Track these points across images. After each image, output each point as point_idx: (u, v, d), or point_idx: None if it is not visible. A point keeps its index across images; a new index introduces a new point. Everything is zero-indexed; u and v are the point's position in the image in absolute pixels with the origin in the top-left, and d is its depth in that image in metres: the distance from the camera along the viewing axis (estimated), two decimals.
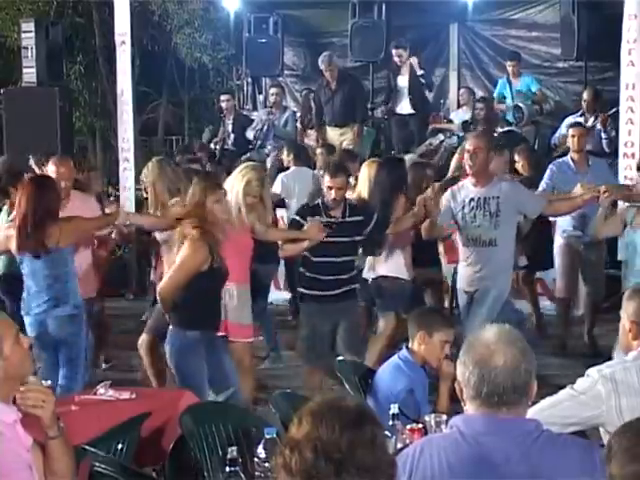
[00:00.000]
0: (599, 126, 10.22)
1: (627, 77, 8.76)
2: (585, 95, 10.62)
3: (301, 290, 6.74)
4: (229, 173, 7.33)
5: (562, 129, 10.95)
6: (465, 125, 11.55)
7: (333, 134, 11.66)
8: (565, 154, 9.18)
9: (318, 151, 10.35)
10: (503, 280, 6.73)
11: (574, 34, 11.74)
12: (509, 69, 11.96)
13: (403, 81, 11.79)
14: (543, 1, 13.09)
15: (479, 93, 13.05)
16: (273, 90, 12.50)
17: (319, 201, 6.69)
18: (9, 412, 3.13)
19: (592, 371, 3.63)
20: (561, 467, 2.71)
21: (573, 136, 8.43)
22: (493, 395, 2.76)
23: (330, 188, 6.50)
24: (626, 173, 8.66)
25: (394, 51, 11.78)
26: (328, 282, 6.53)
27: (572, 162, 8.31)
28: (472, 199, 6.65)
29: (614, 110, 9.78)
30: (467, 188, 6.77)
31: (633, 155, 8.74)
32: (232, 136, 12.13)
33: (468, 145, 6.78)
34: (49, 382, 4.84)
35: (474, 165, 6.68)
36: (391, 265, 7.24)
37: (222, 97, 12.67)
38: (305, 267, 6.67)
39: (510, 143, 9.32)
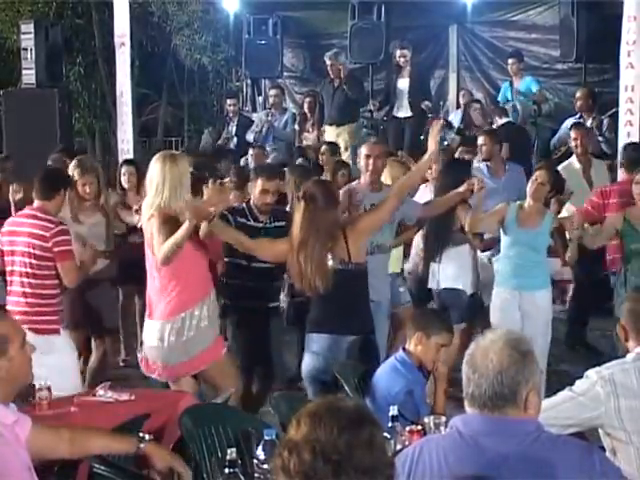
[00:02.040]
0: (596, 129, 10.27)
1: (626, 79, 8.75)
2: (578, 95, 10.66)
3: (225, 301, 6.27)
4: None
5: (561, 131, 10.96)
6: (460, 131, 11.54)
7: (330, 133, 11.65)
8: (564, 156, 9.21)
9: (323, 148, 10.07)
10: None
11: (573, 36, 11.75)
12: (509, 68, 11.91)
13: (403, 84, 11.76)
14: (542, 3, 13.09)
15: (478, 95, 13.06)
16: (272, 91, 12.53)
17: (243, 205, 6.28)
18: (8, 413, 3.18)
19: (591, 372, 3.63)
20: (560, 468, 2.71)
21: (483, 145, 8.41)
22: (475, 397, 2.78)
23: (265, 192, 6.12)
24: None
25: (398, 52, 11.72)
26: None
27: (486, 168, 8.30)
28: (373, 205, 6.23)
29: (613, 111, 9.80)
30: (363, 191, 6.58)
31: None
32: (235, 139, 12.17)
33: (367, 151, 6.60)
34: (49, 383, 4.86)
35: (375, 169, 6.53)
36: (449, 274, 7.07)
37: (228, 101, 12.68)
38: (227, 275, 6.23)
39: (509, 136, 9.38)
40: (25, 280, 5.89)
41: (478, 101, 12.01)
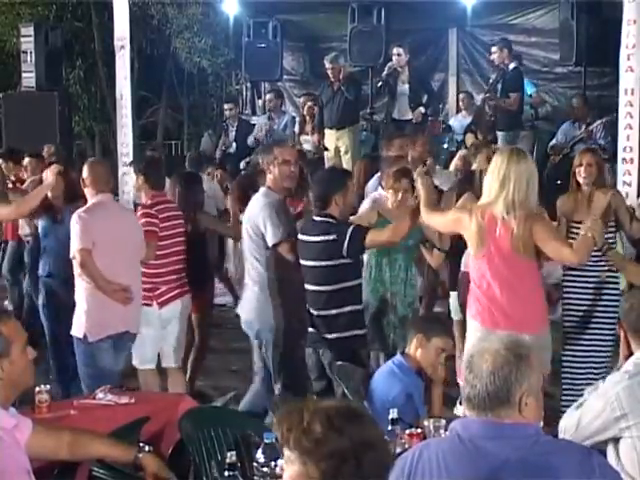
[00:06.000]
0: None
1: (626, 82, 8.75)
2: (574, 103, 10.60)
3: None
4: (233, 177, 7.20)
5: (558, 136, 10.98)
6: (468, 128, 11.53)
7: (329, 137, 11.65)
8: (563, 159, 9.22)
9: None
10: None
11: (573, 39, 11.76)
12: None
13: (403, 86, 11.77)
14: (542, 6, 13.10)
15: (478, 98, 13.06)
16: (269, 96, 12.57)
17: None
18: (9, 418, 3.19)
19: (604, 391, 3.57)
20: (560, 471, 2.71)
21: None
22: (471, 398, 2.79)
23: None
24: (625, 178, 8.65)
25: (394, 49, 11.74)
26: None
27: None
28: None
29: (607, 118, 9.86)
30: None
31: (632, 160, 8.73)
32: (234, 144, 12.18)
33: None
34: (48, 387, 4.86)
35: None
36: None
37: (226, 106, 12.69)
38: None
39: None
40: (182, 257, 6.76)
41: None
